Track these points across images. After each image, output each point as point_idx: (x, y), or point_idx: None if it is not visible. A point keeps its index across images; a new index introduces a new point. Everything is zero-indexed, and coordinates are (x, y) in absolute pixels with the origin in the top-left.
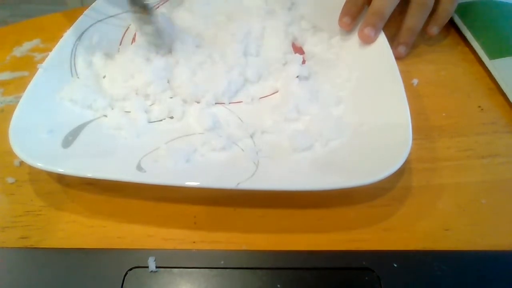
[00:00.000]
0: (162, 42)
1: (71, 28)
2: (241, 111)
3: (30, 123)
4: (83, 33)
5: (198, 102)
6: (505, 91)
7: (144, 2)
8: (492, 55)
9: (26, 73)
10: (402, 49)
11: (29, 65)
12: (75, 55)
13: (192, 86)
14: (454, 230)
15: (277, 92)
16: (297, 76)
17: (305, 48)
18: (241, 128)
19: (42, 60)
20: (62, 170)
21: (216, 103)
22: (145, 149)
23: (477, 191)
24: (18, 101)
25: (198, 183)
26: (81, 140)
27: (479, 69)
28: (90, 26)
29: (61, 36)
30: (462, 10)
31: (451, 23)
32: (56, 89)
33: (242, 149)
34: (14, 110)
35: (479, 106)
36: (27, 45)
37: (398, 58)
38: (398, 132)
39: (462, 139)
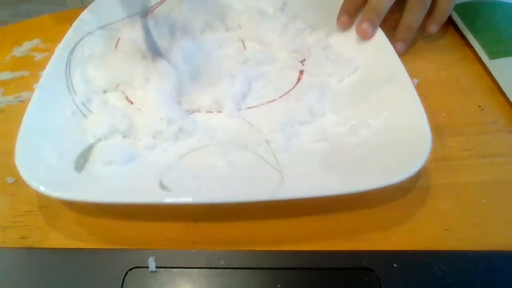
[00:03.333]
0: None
1: (61, 43)
2: (251, 117)
3: (37, 150)
4: (74, 47)
5: (208, 112)
6: (505, 91)
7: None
8: (492, 55)
9: (26, 73)
10: (400, 47)
11: (29, 65)
12: (70, 71)
13: (198, 95)
14: (454, 230)
15: (283, 95)
16: (301, 71)
17: (303, 48)
18: (254, 134)
19: (42, 60)
20: (86, 198)
21: (223, 111)
22: (162, 165)
23: (477, 191)
24: (18, 101)
25: (233, 199)
26: (94, 162)
27: (479, 69)
28: (81, 39)
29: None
30: (462, 10)
31: (451, 23)
32: (56, 109)
33: (261, 156)
34: (14, 110)
35: (479, 106)
36: (27, 45)
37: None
38: (415, 131)
39: (462, 139)
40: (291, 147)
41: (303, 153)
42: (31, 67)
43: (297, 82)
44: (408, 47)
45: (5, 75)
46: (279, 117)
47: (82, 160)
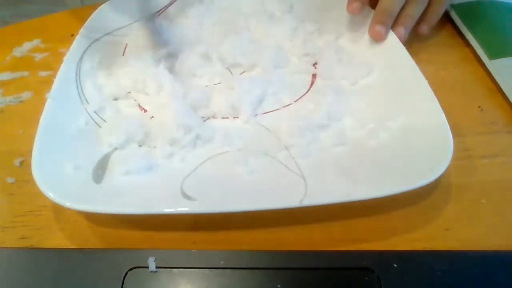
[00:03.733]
0: (162, 41)
1: (69, 51)
2: (268, 122)
3: (53, 162)
4: (82, 55)
5: (224, 118)
6: (505, 91)
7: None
8: (492, 55)
9: (26, 73)
10: (401, 30)
11: (29, 65)
12: (80, 79)
13: (214, 102)
14: (454, 230)
15: (298, 99)
16: (314, 75)
17: (314, 51)
18: (272, 140)
19: (42, 60)
20: (110, 210)
21: (239, 117)
22: (182, 173)
23: (477, 191)
24: (18, 102)
25: (260, 206)
26: (112, 172)
27: (479, 69)
28: (88, 46)
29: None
30: (462, 10)
31: (451, 23)
32: (69, 119)
33: (282, 162)
34: (14, 111)
35: (479, 106)
36: (27, 45)
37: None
38: (435, 133)
39: (462, 139)
40: (311, 153)
41: (323, 158)
42: (31, 68)
43: (311, 86)
44: (408, 34)
45: (5, 76)
46: (297, 122)
47: (100, 171)
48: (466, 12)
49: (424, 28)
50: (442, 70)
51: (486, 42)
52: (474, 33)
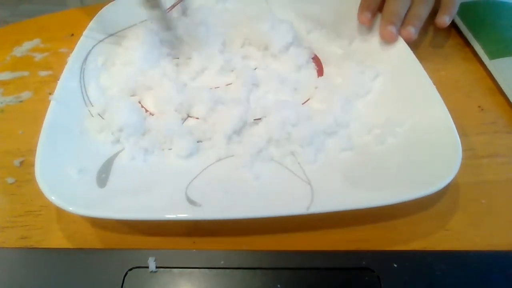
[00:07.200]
0: (173, 37)
1: (73, 52)
2: (273, 127)
3: (57, 165)
4: (86, 56)
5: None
6: (505, 91)
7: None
8: (492, 55)
9: (26, 73)
10: (411, 29)
11: (29, 65)
12: (84, 81)
13: (216, 105)
14: (454, 230)
15: (304, 103)
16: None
17: (320, 55)
18: (278, 145)
19: (42, 60)
20: (115, 216)
21: (245, 120)
22: (186, 177)
23: (477, 191)
24: (18, 101)
25: (267, 213)
26: (116, 176)
27: (479, 69)
28: (92, 48)
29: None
30: (462, 10)
31: (451, 23)
32: (73, 122)
33: (288, 168)
34: (14, 110)
35: (479, 106)
36: (27, 45)
37: (408, 39)
38: (442, 138)
39: (462, 139)
40: (317, 158)
41: (330, 163)
42: (31, 67)
43: (317, 90)
44: (417, 33)
45: (5, 75)
46: (303, 127)
47: (103, 175)
48: (466, 12)
49: (446, 19)
50: (442, 70)
51: (486, 42)
52: (474, 33)
